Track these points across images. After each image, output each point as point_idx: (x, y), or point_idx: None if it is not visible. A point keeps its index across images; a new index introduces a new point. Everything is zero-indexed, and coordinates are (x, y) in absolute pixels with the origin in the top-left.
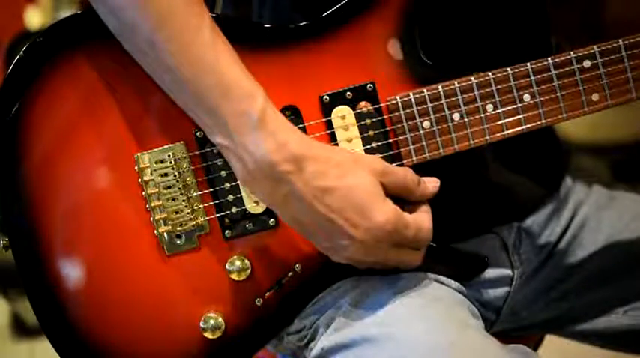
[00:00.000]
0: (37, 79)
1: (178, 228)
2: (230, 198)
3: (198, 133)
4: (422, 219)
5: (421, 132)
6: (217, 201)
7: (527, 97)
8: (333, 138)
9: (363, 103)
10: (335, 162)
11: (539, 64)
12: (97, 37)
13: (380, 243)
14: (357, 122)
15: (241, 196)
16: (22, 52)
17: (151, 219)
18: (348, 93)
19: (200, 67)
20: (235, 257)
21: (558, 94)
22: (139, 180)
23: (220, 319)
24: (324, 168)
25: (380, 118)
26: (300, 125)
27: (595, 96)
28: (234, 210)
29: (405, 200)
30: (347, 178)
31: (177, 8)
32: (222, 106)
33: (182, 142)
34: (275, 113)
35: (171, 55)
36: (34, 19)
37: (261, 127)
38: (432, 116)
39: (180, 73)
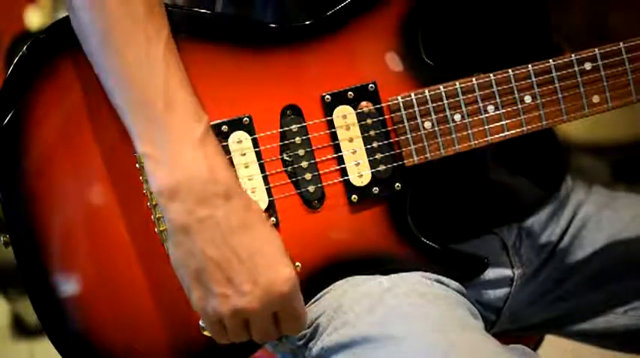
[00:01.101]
0: (39, 76)
1: None
2: None
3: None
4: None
5: (422, 132)
6: None
7: (528, 99)
8: (334, 138)
9: (364, 103)
10: (258, 209)
11: (541, 66)
12: None
13: (271, 303)
14: (359, 122)
15: None
16: (24, 50)
17: (152, 217)
18: (350, 93)
19: (148, 78)
20: None
21: (559, 96)
22: (140, 177)
23: None
24: (250, 205)
25: (381, 118)
26: (302, 124)
27: (596, 99)
28: None
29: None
30: (267, 223)
31: (136, 16)
32: (165, 117)
33: None
34: (216, 141)
35: (121, 62)
36: (34, 19)
37: (201, 147)
38: (433, 116)
39: (126, 80)
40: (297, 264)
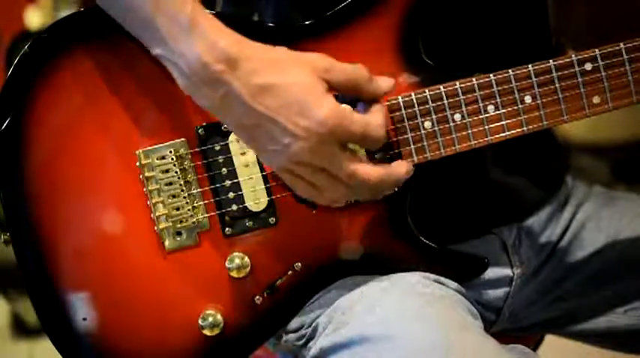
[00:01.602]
0: (40, 76)
1: (179, 225)
2: (231, 195)
3: (199, 130)
4: (371, 115)
5: (422, 132)
6: (218, 199)
7: (528, 99)
8: None
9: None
10: (271, 60)
11: (541, 66)
12: (99, 34)
13: (324, 140)
14: None
15: (242, 194)
16: (26, 49)
17: (152, 215)
18: None
19: None
20: (235, 254)
21: (559, 96)
22: (140, 176)
23: (219, 316)
24: (260, 65)
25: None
26: None
27: (596, 99)
28: (234, 207)
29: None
30: (284, 75)
31: None
32: (156, 16)
33: (183, 139)
34: (206, 15)
35: None
36: (34, 19)
37: (192, 31)
38: (434, 116)
39: None
40: (297, 264)
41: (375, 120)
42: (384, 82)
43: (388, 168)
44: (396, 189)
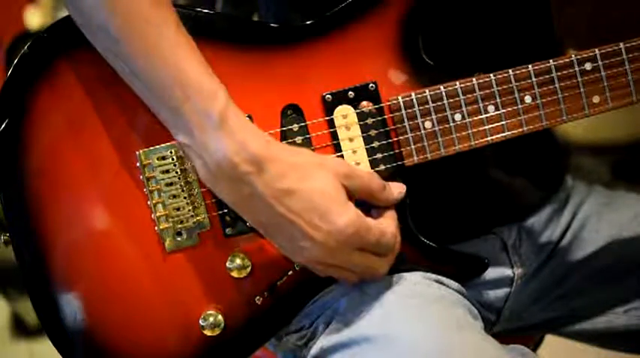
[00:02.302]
0: (40, 75)
1: (179, 225)
2: None
3: None
4: (386, 223)
5: (422, 132)
6: (218, 199)
7: (528, 99)
8: (334, 137)
9: (364, 103)
10: (296, 164)
11: (541, 66)
12: None
13: (341, 246)
14: (359, 121)
15: None
16: (26, 49)
17: (152, 215)
18: (350, 92)
19: (163, 67)
20: (235, 255)
21: (559, 96)
22: (141, 176)
23: (220, 317)
24: (285, 170)
25: (381, 118)
26: (302, 124)
27: (596, 99)
28: None
29: (371, 205)
30: (308, 181)
31: (141, 8)
32: (184, 106)
33: None
34: (236, 113)
35: (136, 56)
36: (34, 19)
37: (222, 127)
38: (434, 116)
39: (144, 73)
40: (297, 263)
41: (389, 229)
42: (396, 190)
43: (392, 256)
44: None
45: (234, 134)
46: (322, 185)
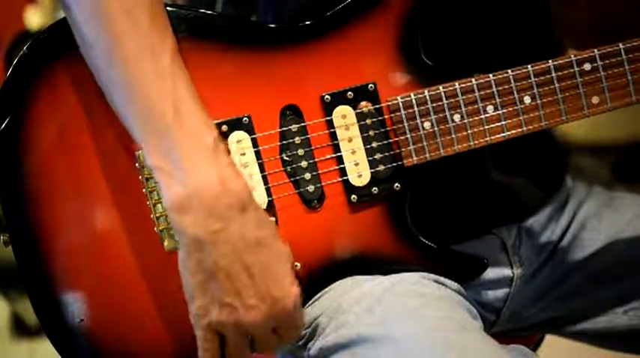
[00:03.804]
0: (40, 76)
1: None
2: None
3: None
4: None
5: (422, 132)
6: None
7: (527, 99)
8: (333, 138)
9: (363, 103)
10: (271, 222)
11: (540, 66)
12: None
13: (276, 318)
14: (358, 122)
15: None
16: (25, 49)
17: (151, 216)
18: (349, 93)
19: (156, 90)
20: None
21: (559, 97)
22: (140, 177)
23: None
24: (264, 220)
25: (380, 118)
26: (301, 124)
27: (595, 99)
28: None
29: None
30: (279, 241)
31: (140, 28)
32: (174, 129)
33: None
34: (226, 149)
35: (129, 75)
36: (34, 19)
37: (214, 156)
38: (433, 117)
39: (134, 93)
40: (297, 264)
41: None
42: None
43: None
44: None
45: (223, 168)
46: (283, 252)
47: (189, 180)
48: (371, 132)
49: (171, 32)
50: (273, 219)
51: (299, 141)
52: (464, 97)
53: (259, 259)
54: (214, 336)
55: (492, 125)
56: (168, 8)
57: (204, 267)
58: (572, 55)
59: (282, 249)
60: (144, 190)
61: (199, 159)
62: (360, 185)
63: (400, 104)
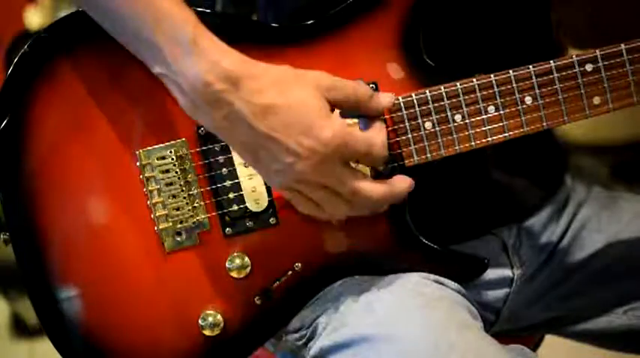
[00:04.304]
0: (40, 75)
1: (179, 225)
2: (231, 195)
3: (200, 130)
4: (375, 133)
5: (423, 132)
6: (218, 199)
7: (529, 100)
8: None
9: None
10: (274, 79)
11: (542, 67)
12: (99, 34)
13: (328, 159)
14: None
15: (242, 194)
16: (26, 48)
17: (152, 215)
18: None
19: (135, 2)
20: (235, 255)
21: (560, 97)
22: (141, 176)
23: (219, 317)
24: (262, 85)
25: (382, 118)
26: None
27: (596, 100)
28: (235, 207)
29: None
30: (288, 95)
31: None
32: (157, 36)
33: (184, 139)
34: (207, 35)
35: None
36: (34, 19)
37: (194, 50)
38: (434, 117)
39: (118, 12)
40: (297, 264)
41: (378, 139)
42: (384, 99)
43: (390, 185)
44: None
45: (206, 54)
46: (303, 98)
47: (183, 82)
48: None
49: None
50: (281, 70)
51: None
52: (465, 97)
53: (275, 121)
54: (295, 193)
55: (493, 125)
56: None
57: (242, 147)
58: (574, 56)
59: (294, 99)
60: (144, 190)
61: (183, 58)
62: None
63: (401, 104)
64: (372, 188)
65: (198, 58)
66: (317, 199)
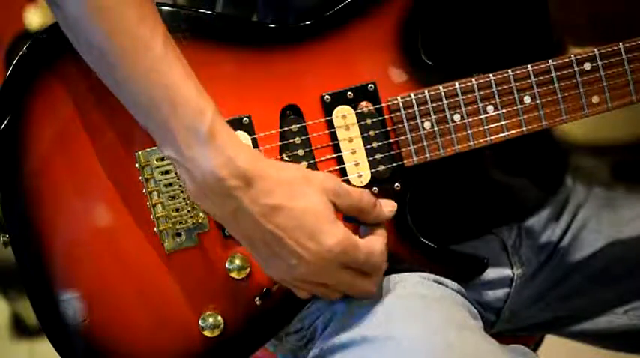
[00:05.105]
0: (39, 76)
1: (178, 226)
2: None
3: None
4: (375, 242)
5: (422, 132)
6: None
7: (527, 99)
8: (334, 138)
9: (364, 103)
10: (284, 181)
11: (540, 66)
12: None
13: (329, 265)
14: (358, 122)
15: None
16: (24, 50)
17: (151, 216)
18: (350, 93)
19: (150, 81)
20: (235, 255)
21: (559, 96)
22: (140, 177)
23: (219, 317)
24: (273, 186)
25: (381, 118)
26: (302, 124)
27: (595, 99)
28: None
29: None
30: (297, 198)
31: (129, 21)
32: (171, 121)
33: None
34: (225, 128)
35: (123, 69)
36: (34, 19)
37: (210, 142)
38: (433, 117)
39: (131, 86)
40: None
41: (378, 248)
42: (387, 208)
43: (379, 276)
44: None
45: (222, 149)
46: (311, 203)
47: (194, 169)
48: (371, 132)
49: (159, 17)
50: (291, 172)
51: (299, 142)
52: (464, 97)
53: (282, 222)
54: (291, 285)
55: (492, 125)
56: (169, 8)
57: (245, 240)
58: (572, 55)
59: (303, 203)
60: (144, 191)
61: (197, 148)
62: (360, 185)
63: (400, 104)
64: (368, 285)
65: (214, 152)
66: (315, 292)
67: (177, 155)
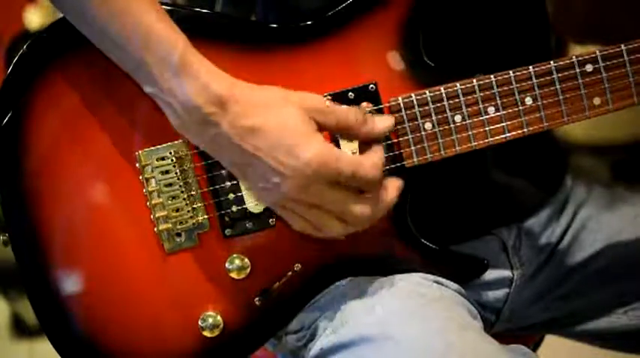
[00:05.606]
0: (39, 75)
1: (178, 226)
2: (231, 196)
3: None
4: (365, 156)
5: (423, 133)
6: (218, 200)
7: (529, 100)
8: (334, 138)
9: (365, 104)
10: (260, 102)
11: (542, 67)
12: None
13: (312, 179)
14: None
15: (242, 195)
16: (25, 49)
17: (151, 216)
18: (350, 93)
19: (123, 21)
20: (235, 256)
21: (560, 98)
22: (140, 177)
23: (219, 318)
24: (249, 108)
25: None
26: None
27: (597, 101)
28: (234, 208)
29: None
30: (272, 116)
31: None
32: (146, 57)
33: (184, 140)
34: (197, 57)
35: (99, 13)
36: (34, 19)
37: (183, 71)
38: (434, 117)
39: (107, 30)
40: (297, 265)
41: (367, 160)
42: (381, 123)
43: (379, 198)
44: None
45: (196, 77)
46: (286, 119)
47: (173, 102)
48: None
49: None
50: (269, 93)
51: None
52: (465, 98)
53: (260, 142)
54: (288, 211)
55: (493, 126)
56: (168, 8)
57: (231, 165)
58: (573, 56)
59: (278, 120)
60: (144, 191)
61: (172, 80)
62: None
63: (401, 105)
64: (363, 206)
65: (188, 81)
66: (310, 218)
67: (156, 89)
